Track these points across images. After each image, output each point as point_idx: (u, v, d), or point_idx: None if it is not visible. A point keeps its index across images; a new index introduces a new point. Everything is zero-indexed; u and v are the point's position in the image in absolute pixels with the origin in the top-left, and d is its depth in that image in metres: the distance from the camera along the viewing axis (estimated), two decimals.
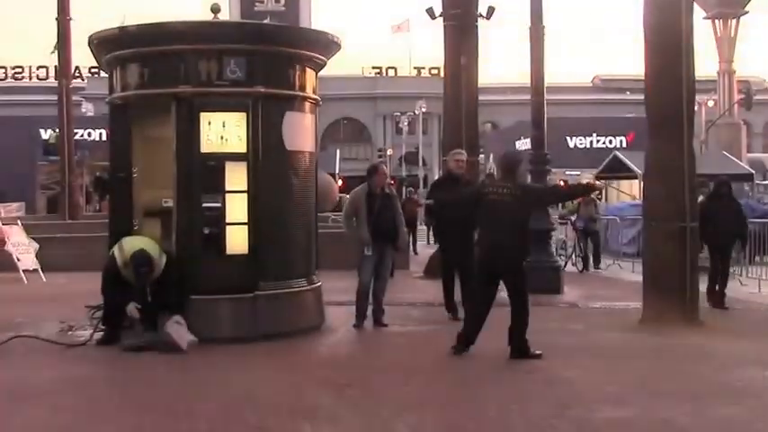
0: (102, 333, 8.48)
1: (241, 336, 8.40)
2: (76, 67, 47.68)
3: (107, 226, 9.47)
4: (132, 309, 8.27)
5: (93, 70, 57.22)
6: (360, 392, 6.44)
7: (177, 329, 8.06)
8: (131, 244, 8.45)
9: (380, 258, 9.66)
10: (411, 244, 20.37)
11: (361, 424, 5.55)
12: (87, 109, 52.38)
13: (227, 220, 8.62)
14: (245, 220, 8.63)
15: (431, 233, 19.81)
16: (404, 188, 35.66)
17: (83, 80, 58.70)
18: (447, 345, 8.17)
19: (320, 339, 8.98)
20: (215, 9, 9.23)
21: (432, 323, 10.08)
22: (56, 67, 27.47)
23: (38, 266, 14.75)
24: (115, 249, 8.48)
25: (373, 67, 72.97)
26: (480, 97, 17.01)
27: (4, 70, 68.17)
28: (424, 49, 72.36)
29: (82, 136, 34.03)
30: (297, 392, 6.41)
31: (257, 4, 61.78)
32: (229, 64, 8.67)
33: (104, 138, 30.44)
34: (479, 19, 16.68)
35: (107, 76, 9.58)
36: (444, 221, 10.21)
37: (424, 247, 23.15)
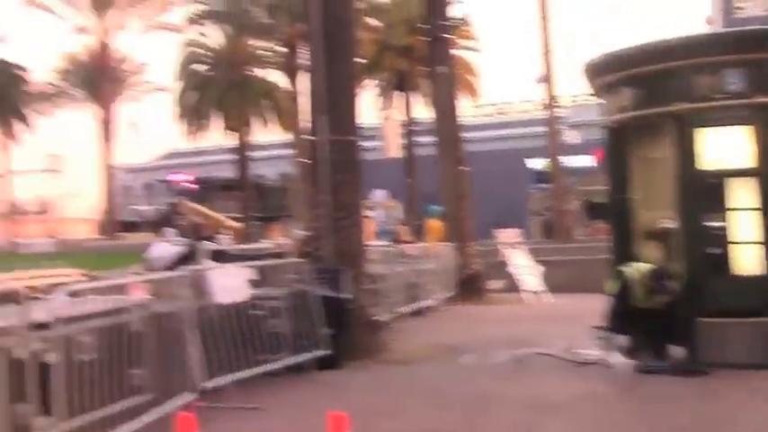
0: (617, 356, 8.35)
1: (758, 362, 7.89)
2: (554, 97, 49.59)
3: (601, 249, 9.62)
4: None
5: (574, 99, 58.94)
6: None
7: None
8: (636, 266, 8.43)
9: None
10: None
11: None
12: (569, 136, 54.07)
13: (733, 239, 8.23)
14: (756, 240, 8.15)
15: None
16: None
17: (562, 110, 60.76)
18: None
19: None
20: (710, 20, 8.97)
21: None
22: (543, 99, 29.00)
23: (543, 288, 15.50)
24: (624, 272, 8.41)
25: None
26: None
27: (494, 107, 73.57)
28: None
29: (568, 163, 35.16)
30: None
31: (736, 11, 58.50)
32: (728, 76, 8.32)
33: (591, 164, 31.25)
34: None
35: (597, 102, 9.79)
36: None
37: None
